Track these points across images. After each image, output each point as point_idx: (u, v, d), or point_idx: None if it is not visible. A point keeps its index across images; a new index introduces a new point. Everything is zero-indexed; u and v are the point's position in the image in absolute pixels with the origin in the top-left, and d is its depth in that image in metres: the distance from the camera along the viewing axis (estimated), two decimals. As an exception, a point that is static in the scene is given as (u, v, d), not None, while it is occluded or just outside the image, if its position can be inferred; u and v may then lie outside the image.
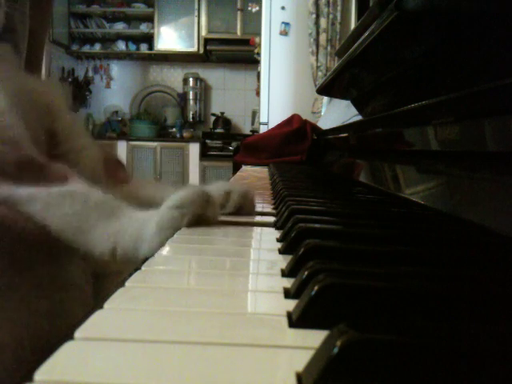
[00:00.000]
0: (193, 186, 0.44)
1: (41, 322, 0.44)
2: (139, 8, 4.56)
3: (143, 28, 4.60)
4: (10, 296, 0.44)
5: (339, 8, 2.97)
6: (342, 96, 1.20)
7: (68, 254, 0.50)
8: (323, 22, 2.95)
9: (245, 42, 4.04)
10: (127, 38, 4.68)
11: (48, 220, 0.42)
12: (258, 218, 0.52)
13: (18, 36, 0.62)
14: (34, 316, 0.44)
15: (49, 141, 0.52)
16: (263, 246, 0.40)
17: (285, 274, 0.30)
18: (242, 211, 0.51)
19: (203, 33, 4.46)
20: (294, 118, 1.72)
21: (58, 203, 0.42)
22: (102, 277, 0.55)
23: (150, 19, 4.56)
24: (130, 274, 0.28)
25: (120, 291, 0.25)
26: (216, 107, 4.77)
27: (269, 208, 0.59)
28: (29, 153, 0.46)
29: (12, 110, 0.48)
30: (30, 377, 0.16)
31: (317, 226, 0.38)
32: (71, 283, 0.49)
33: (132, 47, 4.68)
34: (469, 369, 0.15)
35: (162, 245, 0.38)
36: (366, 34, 0.60)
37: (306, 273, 0.25)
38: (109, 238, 0.41)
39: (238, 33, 4.39)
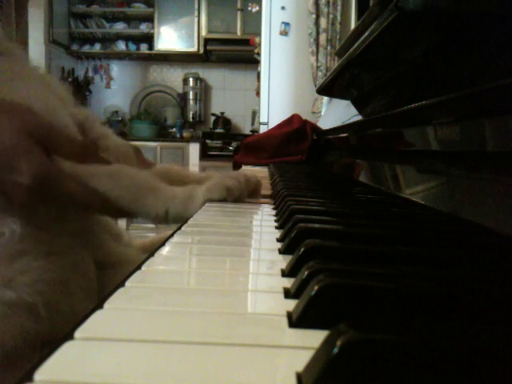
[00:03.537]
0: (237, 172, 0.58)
1: (51, 292, 0.46)
2: (139, 8, 4.56)
3: (143, 28, 4.59)
4: (21, 260, 0.45)
5: (339, 8, 2.97)
6: (342, 96, 1.21)
7: (79, 241, 0.52)
8: (323, 21, 2.95)
9: (245, 41, 4.04)
10: (127, 38, 4.67)
11: (109, 190, 0.49)
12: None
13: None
14: (45, 284, 0.45)
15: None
16: (263, 245, 0.40)
17: (285, 273, 0.30)
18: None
19: (203, 33, 4.46)
20: (294, 118, 1.72)
21: (118, 177, 0.50)
22: (106, 268, 0.56)
23: (150, 19, 4.56)
24: (130, 274, 0.28)
25: (120, 291, 0.25)
26: (216, 107, 4.77)
27: (269, 209, 0.59)
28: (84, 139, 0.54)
29: (60, 106, 0.55)
30: (30, 377, 0.16)
31: (317, 225, 0.38)
32: (77, 268, 0.50)
33: (132, 47, 4.68)
34: (469, 369, 0.15)
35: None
36: (366, 34, 0.60)
37: (306, 273, 0.25)
38: (162, 203, 0.50)
39: (238, 33, 4.39)
